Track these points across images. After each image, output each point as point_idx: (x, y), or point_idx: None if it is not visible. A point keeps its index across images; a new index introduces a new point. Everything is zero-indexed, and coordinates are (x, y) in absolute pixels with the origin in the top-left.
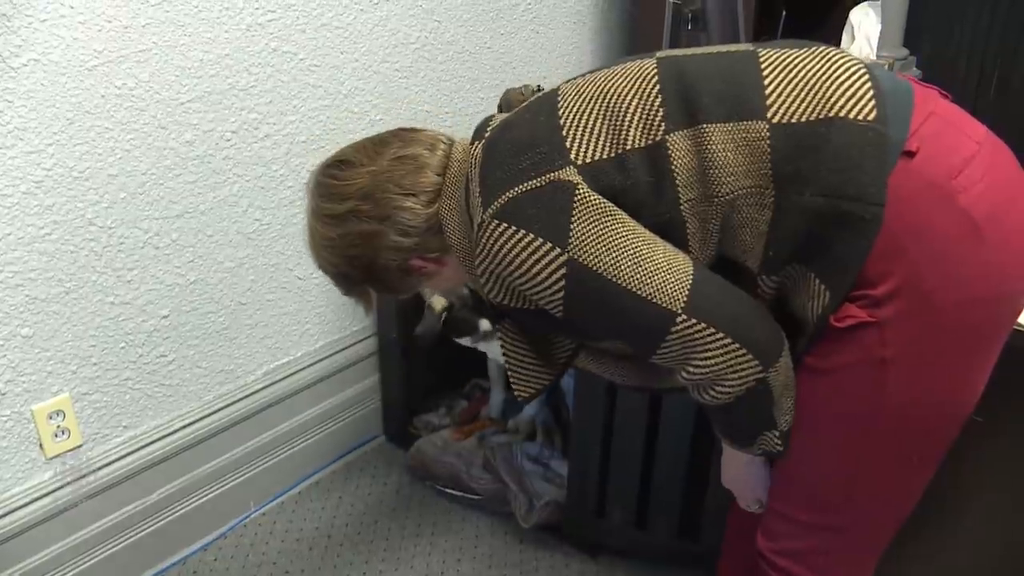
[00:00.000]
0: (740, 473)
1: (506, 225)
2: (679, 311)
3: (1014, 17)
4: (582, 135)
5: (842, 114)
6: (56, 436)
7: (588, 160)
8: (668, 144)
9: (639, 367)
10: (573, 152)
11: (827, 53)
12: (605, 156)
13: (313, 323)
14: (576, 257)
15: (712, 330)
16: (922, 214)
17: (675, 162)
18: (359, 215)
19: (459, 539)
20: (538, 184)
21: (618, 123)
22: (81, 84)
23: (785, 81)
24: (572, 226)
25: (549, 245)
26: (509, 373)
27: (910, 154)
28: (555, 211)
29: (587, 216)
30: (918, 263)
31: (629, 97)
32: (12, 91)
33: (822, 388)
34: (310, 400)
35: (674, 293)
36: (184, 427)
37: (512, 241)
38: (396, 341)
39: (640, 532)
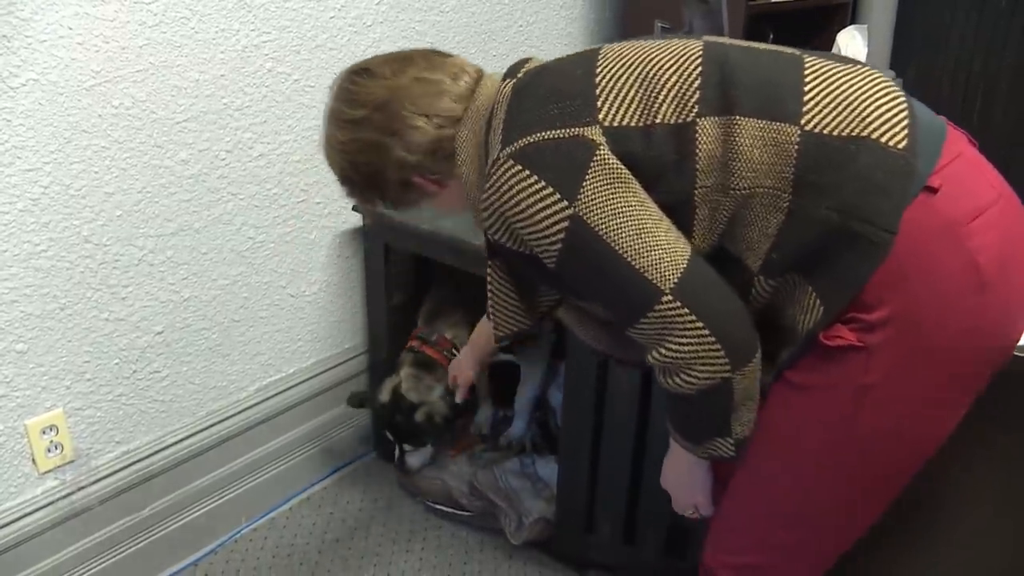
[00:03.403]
0: (682, 475)
1: (520, 168)
2: (667, 290)
3: (996, 41)
4: (615, 98)
5: (874, 136)
6: (49, 451)
7: (615, 124)
8: (697, 127)
9: (612, 335)
10: (602, 112)
11: (871, 74)
12: (633, 124)
13: (305, 340)
14: (581, 214)
15: (693, 317)
16: (931, 251)
17: (700, 146)
18: (370, 124)
19: (449, 555)
20: (561, 135)
21: (652, 95)
22: (79, 103)
23: (825, 91)
24: (585, 183)
25: (557, 196)
26: (490, 309)
27: (932, 190)
28: (572, 165)
29: (601, 177)
30: (918, 298)
31: (669, 72)
32: (11, 110)
33: (796, 404)
34: (302, 416)
35: (667, 271)
36: (176, 443)
37: (523, 184)
38: (387, 359)
39: (628, 548)
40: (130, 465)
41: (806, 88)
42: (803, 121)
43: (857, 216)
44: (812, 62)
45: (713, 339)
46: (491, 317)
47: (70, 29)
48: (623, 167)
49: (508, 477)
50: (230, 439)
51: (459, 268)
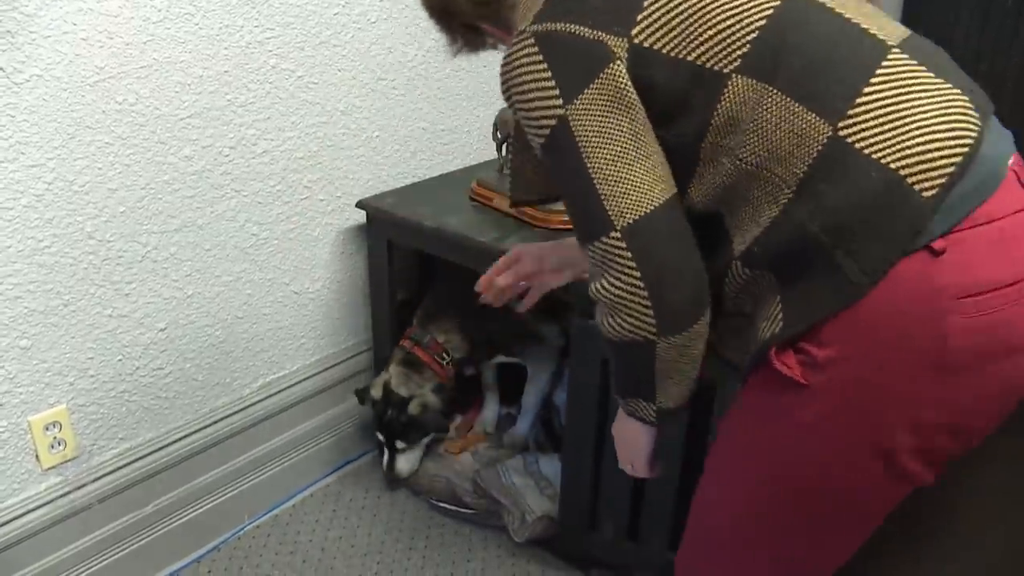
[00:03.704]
0: (621, 430)
1: (536, 49)
2: (618, 227)
3: (1003, 41)
4: (659, 18)
5: (904, 174)
6: (52, 447)
7: (646, 44)
8: (730, 82)
9: None
10: (637, 27)
11: (955, 97)
12: (664, 51)
13: (309, 337)
14: (569, 119)
15: (632, 264)
16: (904, 311)
17: (724, 102)
18: None
19: (452, 553)
20: (586, 34)
21: (699, 31)
22: (82, 99)
23: (883, 101)
24: (586, 91)
25: (555, 92)
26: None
27: (934, 251)
28: (581, 68)
29: (604, 92)
30: (870, 352)
31: (727, 15)
32: (15, 106)
33: (744, 425)
34: (305, 413)
35: (625, 209)
36: (180, 439)
37: (531, 66)
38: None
39: (632, 546)
40: (133, 462)
41: (866, 90)
42: (840, 124)
43: (844, 248)
44: (894, 61)
45: (646, 294)
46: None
47: (74, 25)
48: (632, 91)
49: (511, 475)
50: (233, 436)
51: (463, 265)
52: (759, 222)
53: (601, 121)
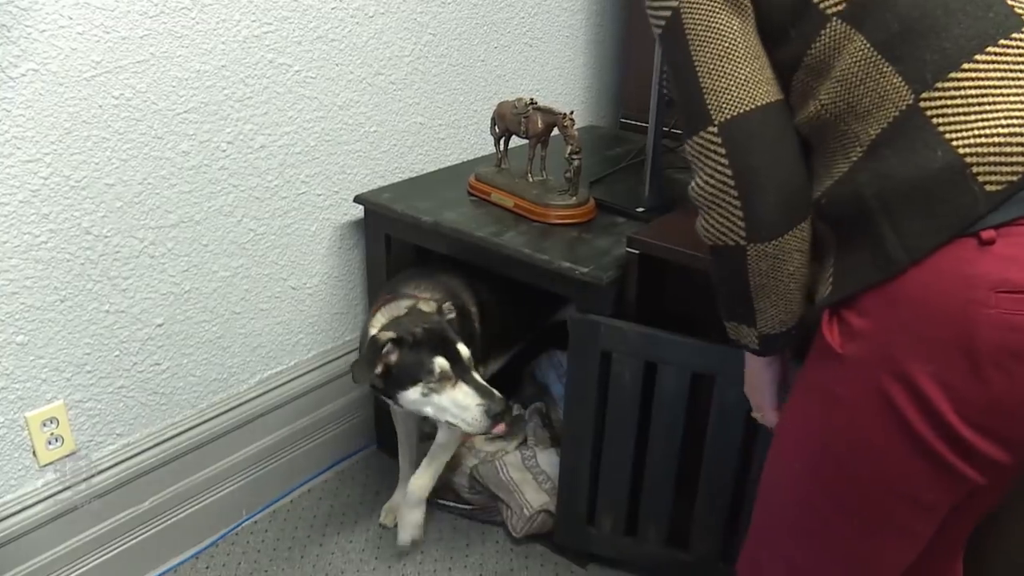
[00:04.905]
0: (748, 370)
1: None
2: (716, 121)
3: None
4: None
5: (971, 163)
6: (50, 443)
7: None
8: (829, 25)
9: None
10: None
11: None
12: None
13: (306, 333)
14: (682, 11)
15: (725, 161)
16: (940, 297)
17: (819, 43)
18: None
19: (450, 548)
20: None
21: None
22: (79, 94)
23: (978, 83)
24: None
25: None
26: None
27: (983, 240)
28: None
29: None
30: (900, 332)
31: None
32: (10, 100)
33: (798, 402)
34: (303, 409)
35: (726, 104)
36: (177, 435)
37: None
38: None
39: (630, 541)
40: (131, 458)
41: (966, 65)
42: (924, 95)
43: (892, 221)
44: (1019, 40)
45: (736, 193)
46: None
47: (70, 19)
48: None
49: (509, 470)
50: (231, 432)
51: (460, 259)
52: (832, 174)
53: (711, 16)
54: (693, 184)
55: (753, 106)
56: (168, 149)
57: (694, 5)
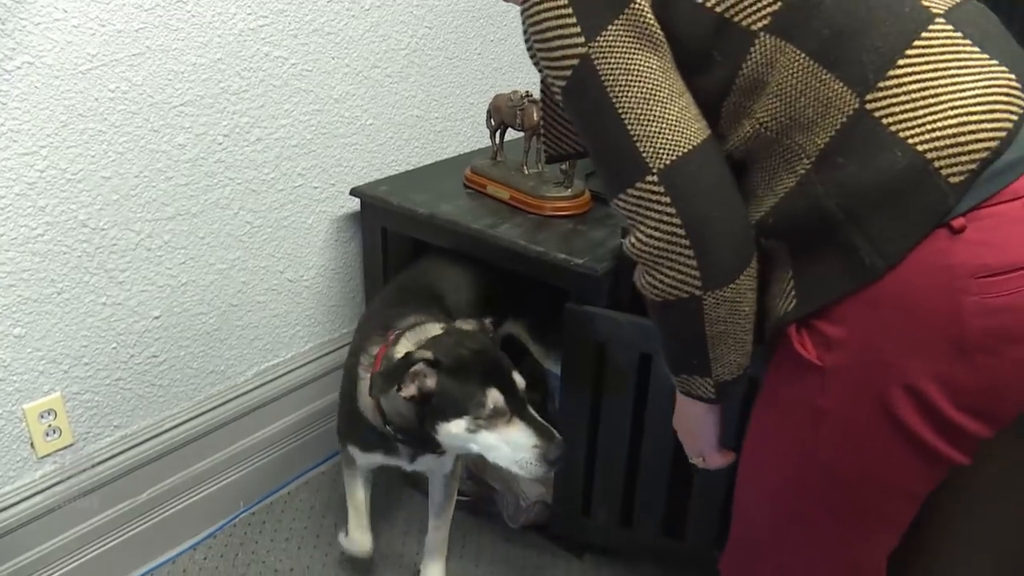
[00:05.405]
0: (683, 417)
1: None
2: (654, 169)
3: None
4: None
5: (931, 158)
6: (47, 435)
7: None
8: (758, 42)
9: None
10: None
11: (1000, 75)
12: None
13: (303, 325)
14: (594, 58)
15: (671, 210)
16: (921, 293)
17: (750, 62)
18: None
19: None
20: None
21: None
22: (75, 87)
23: (919, 75)
24: (609, 28)
25: (577, 30)
26: (541, 131)
27: (953, 229)
28: (603, 4)
29: (631, 28)
30: (887, 334)
31: None
32: (6, 93)
33: (769, 420)
34: (300, 401)
35: (662, 149)
36: (175, 427)
37: (549, 2)
38: None
39: (625, 531)
40: (128, 449)
41: (901, 62)
42: (868, 97)
43: (861, 228)
44: (936, 32)
45: (687, 242)
46: (543, 140)
47: (65, 12)
48: (658, 29)
49: None
50: (228, 424)
51: (456, 251)
52: (775, 191)
53: (628, 58)
54: (632, 240)
55: (690, 147)
56: (164, 142)
57: (607, 50)
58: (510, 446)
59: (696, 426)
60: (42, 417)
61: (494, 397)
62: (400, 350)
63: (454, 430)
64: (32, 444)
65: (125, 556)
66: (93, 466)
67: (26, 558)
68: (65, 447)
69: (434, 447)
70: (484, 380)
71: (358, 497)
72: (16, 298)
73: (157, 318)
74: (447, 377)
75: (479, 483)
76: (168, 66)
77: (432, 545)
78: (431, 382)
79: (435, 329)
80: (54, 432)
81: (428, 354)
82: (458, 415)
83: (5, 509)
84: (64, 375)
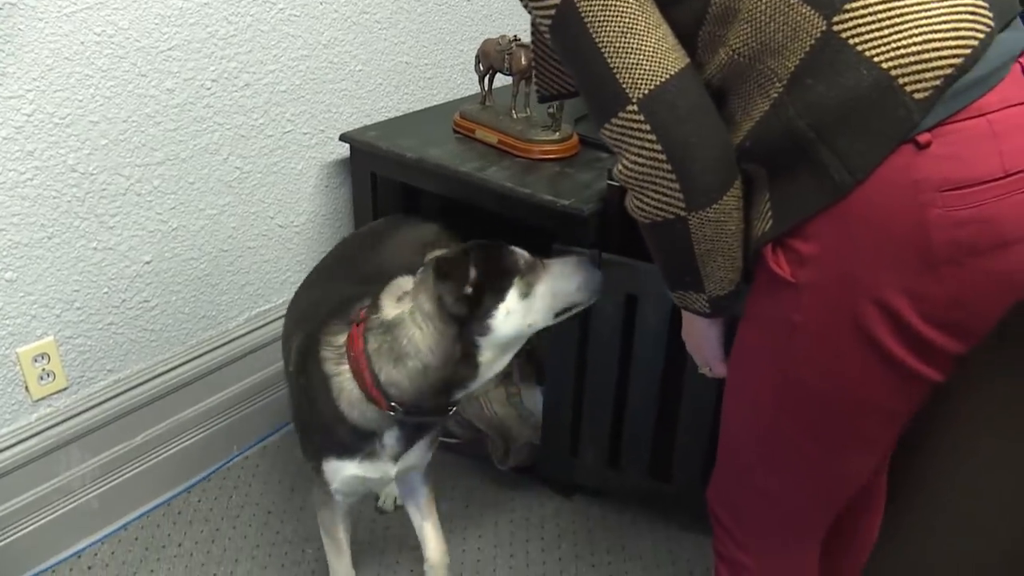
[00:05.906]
0: (688, 327)
1: None
2: (634, 99)
3: None
4: None
5: (896, 75)
6: (41, 379)
7: None
8: None
9: None
10: None
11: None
12: None
13: (294, 271)
14: None
15: (652, 137)
16: (888, 208)
17: None
18: None
19: (437, 481)
20: None
21: None
22: (59, 30)
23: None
24: None
25: None
26: (534, 68)
27: (919, 144)
28: None
29: None
30: (856, 249)
31: None
32: None
33: (750, 339)
34: None
35: (640, 79)
36: (168, 371)
37: None
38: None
39: (613, 472)
40: (122, 393)
41: None
42: (835, 19)
43: (830, 145)
44: None
45: (669, 167)
46: (535, 79)
47: None
48: None
49: (494, 406)
50: (220, 368)
51: (446, 196)
52: (751, 116)
53: None
54: (619, 167)
55: (667, 76)
56: (152, 87)
57: None
58: (567, 279)
59: (701, 338)
60: (36, 361)
61: (521, 252)
62: (389, 312)
63: (511, 303)
64: (27, 387)
65: (120, 499)
66: (87, 409)
67: (22, 499)
68: (59, 391)
69: (444, 410)
70: (499, 247)
71: (339, 537)
72: (7, 242)
73: (148, 263)
74: (480, 259)
75: (468, 427)
76: (154, 10)
77: (433, 550)
78: (473, 273)
79: (407, 282)
80: (48, 376)
81: (463, 245)
82: (509, 282)
83: (1, 451)
84: (56, 319)
